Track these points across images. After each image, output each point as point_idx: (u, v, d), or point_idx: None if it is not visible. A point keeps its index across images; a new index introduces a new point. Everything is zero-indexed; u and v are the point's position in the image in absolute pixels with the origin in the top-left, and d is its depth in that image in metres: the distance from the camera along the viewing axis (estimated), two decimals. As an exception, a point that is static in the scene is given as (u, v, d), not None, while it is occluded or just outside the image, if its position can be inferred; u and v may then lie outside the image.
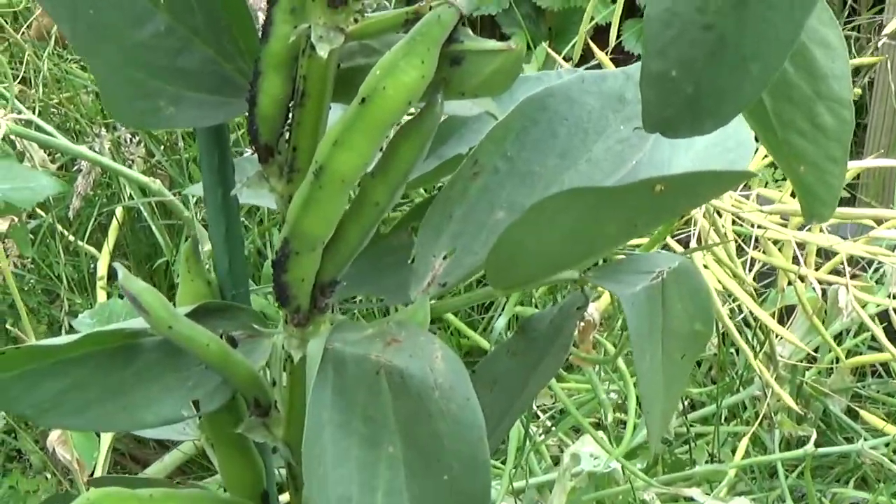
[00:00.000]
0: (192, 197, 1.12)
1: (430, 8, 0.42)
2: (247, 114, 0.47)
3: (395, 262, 0.57)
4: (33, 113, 1.09)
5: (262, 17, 0.46)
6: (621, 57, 1.37)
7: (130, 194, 1.16)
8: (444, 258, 0.50)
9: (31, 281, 1.14)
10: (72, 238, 1.17)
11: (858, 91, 1.02)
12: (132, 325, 0.53)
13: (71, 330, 1.00)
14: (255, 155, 0.48)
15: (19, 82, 1.18)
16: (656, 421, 0.51)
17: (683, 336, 0.50)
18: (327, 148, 0.43)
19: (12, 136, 0.96)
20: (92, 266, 1.17)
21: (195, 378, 0.52)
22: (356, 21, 0.43)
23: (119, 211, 1.18)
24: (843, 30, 1.25)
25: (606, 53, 1.35)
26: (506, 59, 0.42)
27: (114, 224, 1.15)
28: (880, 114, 1.22)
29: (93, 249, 1.16)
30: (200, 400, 0.52)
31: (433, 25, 0.42)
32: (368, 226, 0.47)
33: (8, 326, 1.10)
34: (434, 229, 0.50)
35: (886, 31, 0.92)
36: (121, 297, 1.11)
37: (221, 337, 0.52)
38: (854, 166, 0.87)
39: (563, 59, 1.34)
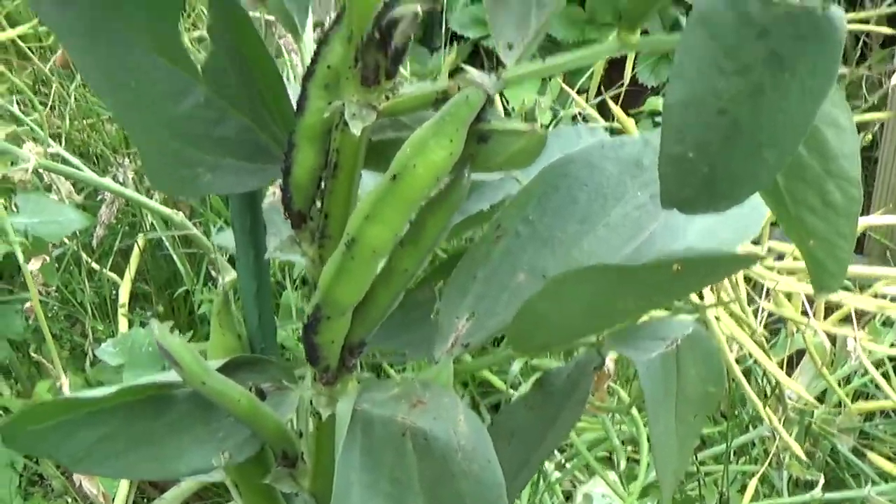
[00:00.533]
0: (214, 227, 1.14)
1: (459, 88, 0.44)
2: (280, 181, 0.49)
3: (419, 317, 0.59)
4: (59, 142, 1.11)
5: (295, 58, 0.48)
6: (636, 89, 1.39)
7: (152, 223, 1.18)
8: (468, 319, 0.52)
9: (55, 307, 1.16)
10: (95, 265, 1.20)
11: (869, 137, 1.04)
12: (165, 378, 0.55)
13: (95, 359, 1.02)
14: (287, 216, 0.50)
15: (45, 111, 1.20)
16: (669, 478, 0.53)
17: (696, 399, 0.52)
18: (359, 221, 0.45)
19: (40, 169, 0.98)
20: (114, 292, 1.19)
21: (225, 430, 0.54)
22: (388, 98, 0.45)
23: (140, 239, 1.20)
24: (856, 69, 1.26)
25: (621, 86, 1.37)
26: (530, 140, 0.44)
27: (135, 252, 1.17)
28: (891, 150, 1.24)
29: (115, 276, 1.18)
30: (230, 451, 0.54)
31: (462, 106, 0.44)
32: (397, 291, 0.49)
33: (31, 353, 1.12)
34: (458, 291, 0.52)
35: (892, 83, 0.94)
36: (142, 325, 1.13)
37: (251, 389, 0.54)
38: (862, 222, 0.89)
39: (577, 92, 1.36)
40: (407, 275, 0.48)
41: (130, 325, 1.17)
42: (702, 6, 0.40)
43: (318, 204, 0.49)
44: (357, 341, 0.50)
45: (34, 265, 0.87)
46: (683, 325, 0.51)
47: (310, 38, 0.53)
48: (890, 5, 1.18)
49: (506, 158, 0.45)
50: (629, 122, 0.88)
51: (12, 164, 0.95)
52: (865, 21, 1.24)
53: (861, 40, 1.34)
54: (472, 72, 0.44)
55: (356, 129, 0.44)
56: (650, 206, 0.53)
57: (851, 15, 1.23)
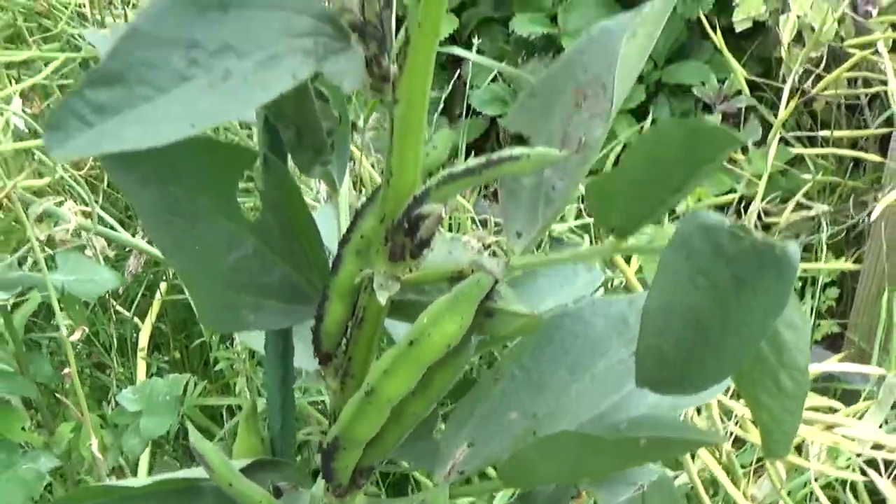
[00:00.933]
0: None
1: (473, 271, 0.52)
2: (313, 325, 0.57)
3: (423, 433, 0.66)
4: (97, 195, 1.19)
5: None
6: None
7: (174, 273, 1.25)
8: (466, 447, 0.60)
9: (78, 345, 1.23)
10: (119, 308, 1.27)
11: (852, 266, 1.12)
12: (194, 473, 0.62)
13: (116, 405, 1.10)
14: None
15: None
16: None
17: (658, 533, 0.60)
18: (378, 374, 0.52)
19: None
20: (134, 335, 1.27)
21: (245, 525, 0.62)
22: (411, 270, 0.53)
23: (163, 286, 1.27)
24: (848, 181, 1.34)
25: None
26: (529, 321, 0.52)
27: (156, 301, 1.25)
28: (874, 257, 1.30)
29: (137, 320, 1.26)
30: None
31: (474, 287, 0.51)
32: (407, 429, 0.56)
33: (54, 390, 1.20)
34: (458, 424, 0.60)
35: (874, 214, 1.02)
36: (160, 375, 1.21)
37: (269, 488, 0.62)
38: (814, 369, 0.97)
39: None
40: (416, 417, 0.55)
41: (148, 367, 1.24)
42: (682, 233, 0.47)
43: (344, 345, 0.57)
44: (367, 466, 0.58)
45: (75, 336, 0.95)
46: (651, 472, 0.59)
47: (345, 191, 0.61)
48: (880, 126, 1.26)
49: (508, 332, 0.53)
50: (629, 271, 0.96)
51: (55, 224, 1.02)
52: (858, 139, 1.32)
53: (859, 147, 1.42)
54: (485, 258, 0.52)
55: (382, 298, 0.52)
56: (631, 363, 0.61)
57: (847, 133, 1.31)
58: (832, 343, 1.32)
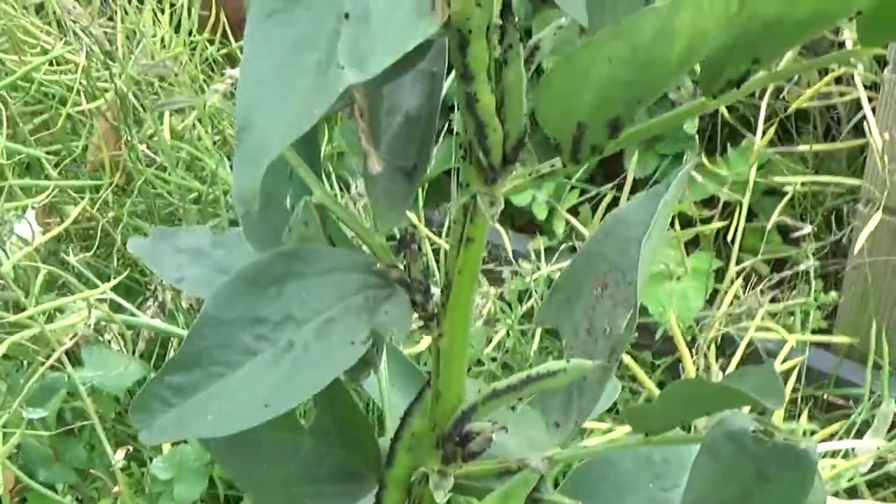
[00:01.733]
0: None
1: (519, 469, 0.57)
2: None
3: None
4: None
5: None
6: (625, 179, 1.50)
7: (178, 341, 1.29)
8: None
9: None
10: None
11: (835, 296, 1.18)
12: None
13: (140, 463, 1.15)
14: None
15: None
16: None
17: None
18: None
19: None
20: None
21: None
22: (461, 467, 0.58)
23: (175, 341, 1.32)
24: (828, 188, 1.39)
25: (617, 177, 1.50)
26: (574, 509, 0.57)
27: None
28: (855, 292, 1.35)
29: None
30: None
31: (521, 484, 0.56)
32: None
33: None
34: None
35: (857, 246, 1.07)
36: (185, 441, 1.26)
37: None
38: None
39: (572, 187, 1.48)
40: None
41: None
42: (710, 439, 0.52)
43: (401, 518, 0.62)
44: None
45: (119, 455, 1.00)
46: None
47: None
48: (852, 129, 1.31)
49: (553, 516, 0.58)
50: (641, 373, 1.01)
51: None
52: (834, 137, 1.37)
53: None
54: (531, 457, 0.57)
55: (439, 498, 0.57)
56: (660, 498, 0.66)
57: (823, 146, 1.36)
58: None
